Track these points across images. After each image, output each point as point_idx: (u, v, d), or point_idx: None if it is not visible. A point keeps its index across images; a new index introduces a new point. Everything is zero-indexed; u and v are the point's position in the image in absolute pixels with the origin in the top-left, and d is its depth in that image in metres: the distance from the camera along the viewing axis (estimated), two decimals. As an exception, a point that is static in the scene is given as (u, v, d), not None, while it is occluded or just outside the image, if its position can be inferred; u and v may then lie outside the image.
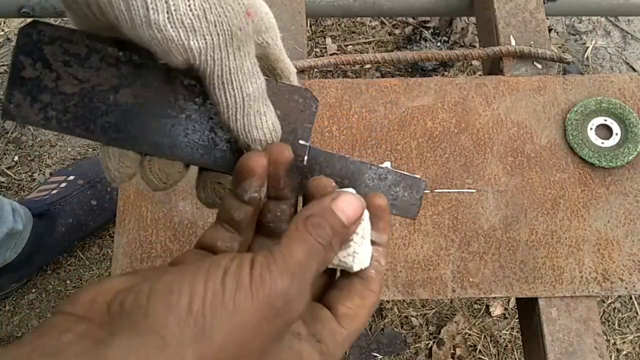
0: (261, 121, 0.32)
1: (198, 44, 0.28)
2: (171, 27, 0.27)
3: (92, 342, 0.24)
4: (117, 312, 0.25)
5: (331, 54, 1.20)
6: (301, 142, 0.35)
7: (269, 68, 0.36)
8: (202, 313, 0.24)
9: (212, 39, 0.29)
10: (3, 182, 1.08)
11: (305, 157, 0.35)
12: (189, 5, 0.27)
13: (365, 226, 0.32)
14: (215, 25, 0.28)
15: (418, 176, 0.36)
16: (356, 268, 0.32)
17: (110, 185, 1.01)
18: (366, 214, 0.32)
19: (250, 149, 0.33)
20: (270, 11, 0.33)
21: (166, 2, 0.27)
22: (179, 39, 0.28)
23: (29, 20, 0.41)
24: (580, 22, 1.26)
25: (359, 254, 0.31)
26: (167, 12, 0.27)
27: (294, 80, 0.37)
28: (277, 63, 0.36)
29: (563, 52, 0.66)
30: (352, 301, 0.31)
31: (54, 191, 0.99)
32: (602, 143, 0.62)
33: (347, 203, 0.30)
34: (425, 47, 1.21)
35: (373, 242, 0.33)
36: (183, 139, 0.33)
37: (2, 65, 1.19)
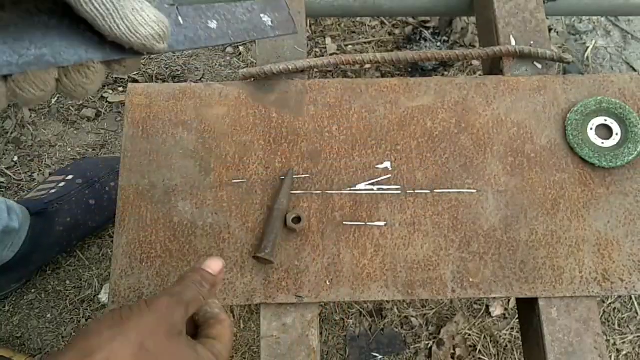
0: (142, 17, 0.32)
1: None
2: None
3: None
4: None
5: (331, 54, 1.20)
6: (167, 5, 0.36)
7: None
8: None
9: None
10: (2, 182, 1.08)
11: (180, 18, 0.36)
12: None
13: None
14: None
15: None
16: None
17: (109, 184, 1.00)
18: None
19: (146, 47, 0.32)
20: None
21: None
22: None
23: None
24: (580, 22, 1.26)
25: None
26: None
27: None
28: None
29: (563, 52, 0.66)
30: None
31: (52, 190, 0.99)
32: (602, 143, 0.62)
33: (212, 262, 0.47)
34: (425, 47, 1.21)
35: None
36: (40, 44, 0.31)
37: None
